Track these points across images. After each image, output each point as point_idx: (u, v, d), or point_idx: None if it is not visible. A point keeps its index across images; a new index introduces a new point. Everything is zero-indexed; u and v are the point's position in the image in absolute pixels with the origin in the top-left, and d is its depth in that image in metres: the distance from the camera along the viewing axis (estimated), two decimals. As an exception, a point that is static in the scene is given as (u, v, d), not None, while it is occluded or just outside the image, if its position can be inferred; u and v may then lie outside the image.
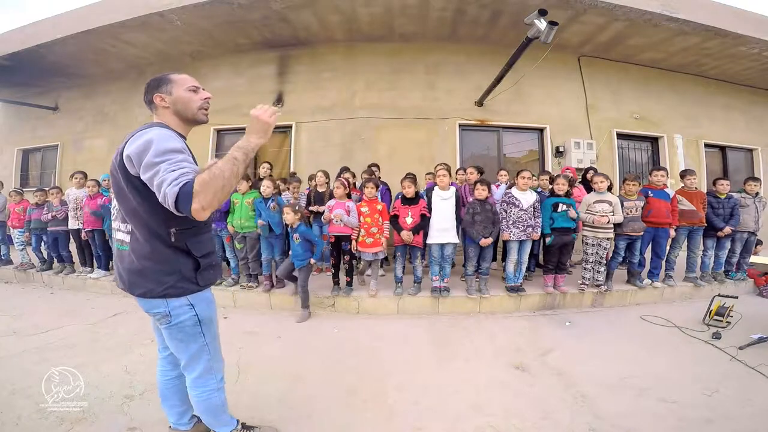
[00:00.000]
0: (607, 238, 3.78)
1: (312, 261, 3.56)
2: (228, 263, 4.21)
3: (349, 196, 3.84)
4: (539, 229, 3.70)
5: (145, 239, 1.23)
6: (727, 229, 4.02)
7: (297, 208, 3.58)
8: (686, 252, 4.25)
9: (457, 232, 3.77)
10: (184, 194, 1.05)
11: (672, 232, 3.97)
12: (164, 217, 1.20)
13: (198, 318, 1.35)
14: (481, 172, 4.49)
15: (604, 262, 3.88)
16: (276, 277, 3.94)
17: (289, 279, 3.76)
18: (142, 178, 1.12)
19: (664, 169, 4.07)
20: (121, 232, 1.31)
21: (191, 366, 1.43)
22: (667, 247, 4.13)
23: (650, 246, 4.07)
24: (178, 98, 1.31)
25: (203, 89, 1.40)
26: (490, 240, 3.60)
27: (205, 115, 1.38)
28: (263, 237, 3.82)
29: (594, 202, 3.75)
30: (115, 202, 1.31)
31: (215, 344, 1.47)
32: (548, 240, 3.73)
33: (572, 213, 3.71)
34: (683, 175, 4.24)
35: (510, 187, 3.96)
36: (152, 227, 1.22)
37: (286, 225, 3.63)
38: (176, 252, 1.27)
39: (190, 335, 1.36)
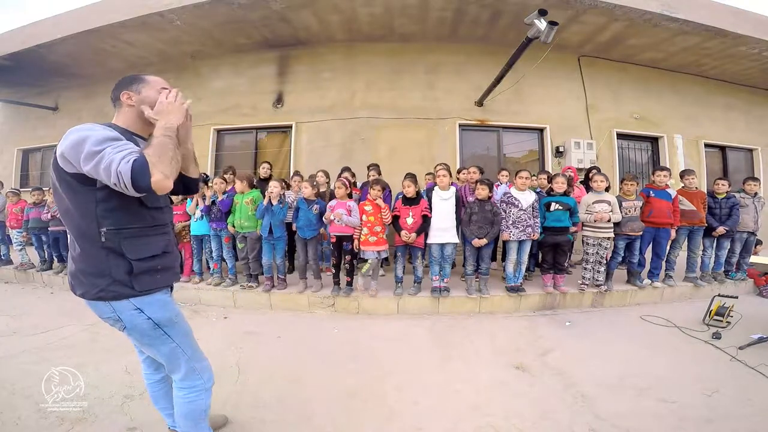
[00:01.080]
0: (608, 238, 3.78)
1: (322, 230, 3.77)
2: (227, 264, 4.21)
3: (350, 196, 3.84)
4: (539, 229, 3.70)
5: (77, 240, 1.20)
6: (720, 229, 4.02)
7: (314, 183, 3.88)
8: (686, 252, 4.25)
9: (458, 232, 3.77)
10: (140, 167, 1.04)
11: (673, 233, 3.97)
12: (96, 216, 1.17)
13: (153, 321, 1.29)
14: (481, 172, 4.50)
15: (605, 262, 3.88)
16: (278, 277, 3.94)
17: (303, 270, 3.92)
18: (83, 170, 1.08)
19: (667, 169, 4.06)
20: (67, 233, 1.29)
21: (172, 368, 1.40)
22: (668, 248, 4.13)
23: (650, 246, 4.06)
24: (146, 98, 1.27)
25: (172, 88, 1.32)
26: (483, 241, 3.59)
27: None
28: (264, 239, 3.81)
29: (593, 203, 3.76)
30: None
31: (189, 344, 1.41)
32: (539, 238, 3.73)
33: (603, 215, 3.67)
34: (683, 175, 4.24)
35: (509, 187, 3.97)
36: (83, 227, 1.18)
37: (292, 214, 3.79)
38: (108, 253, 1.20)
39: (154, 338, 1.31)
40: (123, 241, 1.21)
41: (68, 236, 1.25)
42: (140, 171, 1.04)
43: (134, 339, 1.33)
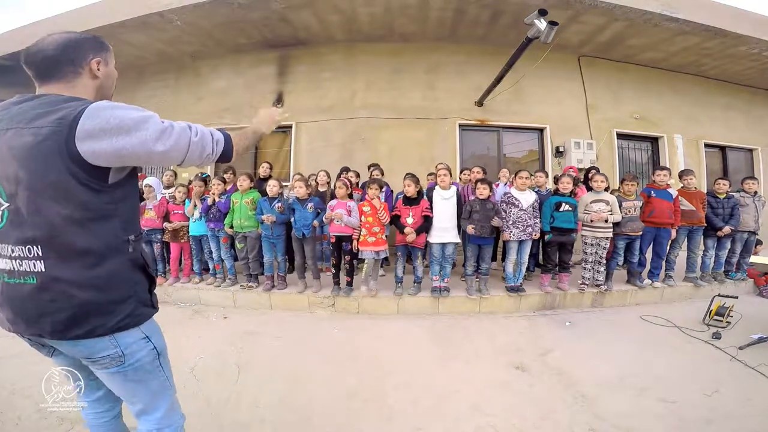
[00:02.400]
0: (606, 238, 3.78)
1: (315, 223, 3.76)
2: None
3: (350, 196, 3.84)
4: (539, 229, 3.70)
5: (91, 257, 0.90)
6: (727, 229, 4.02)
7: (309, 182, 3.86)
8: (686, 252, 4.25)
9: (459, 231, 3.78)
10: (228, 139, 1.09)
11: (673, 233, 3.97)
12: (123, 220, 0.96)
13: (157, 351, 1.07)
14: (484, 172, 4.51)
15: (604, 261, 3.88)
16: (279, 275, 3.94)
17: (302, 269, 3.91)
18: (156, 151, 0.90)
19: (668, 169, 4.07)
20: (12, 260, 0.87)
21: (153, 407, 1.11)
22: (667, 247, 4.13)
23: (651, 247, 4.06)
24: (110, 72, 1.06)
25: None
26: (471, 229, 3.53)
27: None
28: (264, 237, 3.81)
29: (591, 202, 3.76)
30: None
31: (171, 374, 1.18)
32: (546, 237, 3.74)
33: (601, 215, 3.67)
34: (681, 174, 4.24)
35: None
36: (106, 236, 0.92)
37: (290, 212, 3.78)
38: (133, 268, 0.99)
39: (149, 372, 1.05)
40: (142, 250, 1.04)
41: (48, 260, 0.86)
42: (230, 142, 1.09)
43: (124, 377, 1.01)
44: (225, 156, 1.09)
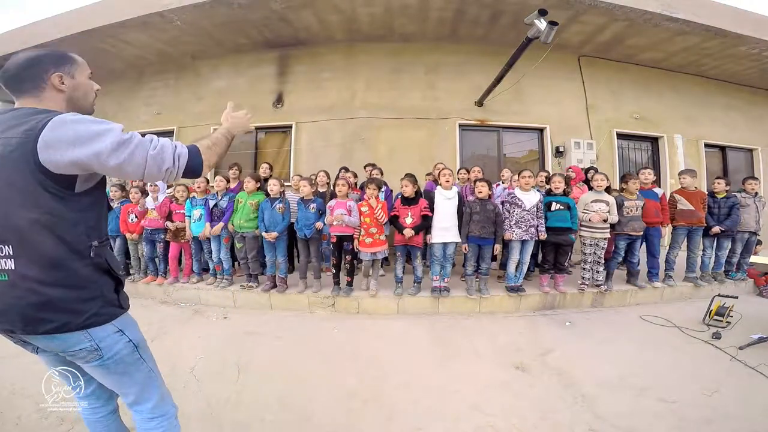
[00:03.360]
0: (604, 238, 3.78)
1: (319, 224, 3.77)
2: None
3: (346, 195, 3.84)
4: (544, 229, 3.69)
5: (55, 260, 0.96)
6: (716, 229, 4.02)
7: (312, 182, 3.95)
8: (686, 252, 4.25)
9: (460, 231, 3.77)
10: (196, 151, 1.07)
11: (664, 231, 3.98)
12: (87, 227, 1.01)
13: (133, 343, 1.13)
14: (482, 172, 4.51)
15: (603, 261, 3.88)
16: (279, 277, 3.93)
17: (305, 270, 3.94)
18: (110, 164, 0.93)
19: (651, 168, 4.13)
20: None
21: (144, 397, 1.18)
22: (667, 247, 4.12)
23: (645, 247, 4.07)
24: (79, 84, 1.09)
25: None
26: (465, 247, 3.62)
27: (94, 107, 1.18)
28: (265, 238, 3.80)
29: (591, 202, 3.76)
30: None
31: (156, 366, 1.24)
32: (545, 237, 3.73)
33: (601, 215, 3.67)
34: (680, 174, 4.25)
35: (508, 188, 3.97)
36: (72, 242, 0.97)
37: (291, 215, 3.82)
38: (96, 271, 1.04)
39: (130, 364, 1.12)
40: (107, 255, 1.08)
41: (19, 259, 0.93)
42: (197, 156, 1.07)
43: (107, 370, 1.09)
44: (192, 170, 1.07)
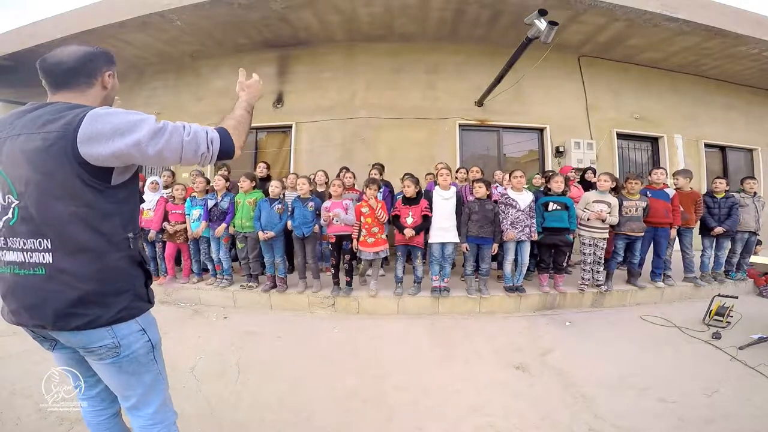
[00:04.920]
0: (603, 238, 3.77)
1: (316, 227, 3.80)
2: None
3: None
4: (536, 230, 3.68)
5: (93, 252, 0.96)
6: (719, 229, 4.02)
7: (311, 180, 3.91)
8: (680, 252, 4.25)
9: (459, 231, 3.77)
10: (226, 135, 1.07)
11: (673, 233, 3.96)
12: (123, 219, 1.02)
13: (152, 343, 1.11)
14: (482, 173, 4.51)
15: (602, 262, 3.88)
16: (279, 277, 3.94)
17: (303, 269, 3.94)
18: (150, 152, 0.94)
19: (664, 168, 4.09)
20: (24, 252, 0.94)
21: (146, 401, 1.14)
22: (666, 248, 4.12)
23: (652, 246, 4.06)
24: (116, 84, 1.13)
25: None
26: (465, 246, 3.63)
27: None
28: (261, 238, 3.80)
29: (593, 201, 3.76)
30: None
31: (165, 370, 1.21)
32: (538, 238, 3.73)
33: (601, 214, 3.67)
34: (675, 175, 4.26)
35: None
36: (110, 234, 0.99)
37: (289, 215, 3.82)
38: (131, 263, 1.05)
39: (143, 365, 1.09)
40: (140, 247, 1.10)
41: (56, 253, 0.93)
42: (228, 139, 1.06)
43: (120, 368, 1.05)
44: (225, 153, 1.07)
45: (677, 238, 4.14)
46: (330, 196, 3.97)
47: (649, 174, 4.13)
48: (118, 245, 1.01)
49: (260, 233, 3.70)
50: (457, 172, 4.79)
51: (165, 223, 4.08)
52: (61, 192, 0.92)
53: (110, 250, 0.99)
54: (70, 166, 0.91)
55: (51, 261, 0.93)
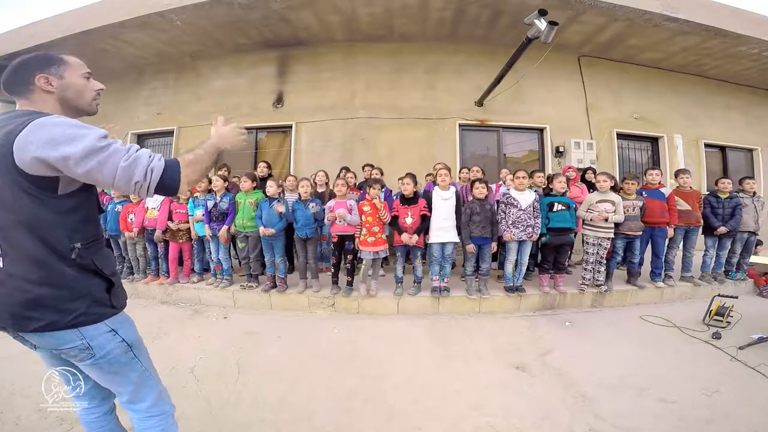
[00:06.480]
0: (608, 238, 3.77)
1: (322, 226, 3.77)
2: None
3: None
4: (539, 230, 3.69)
5: (38, 260, 0.96)
6: (722, 229, 4.02)
7: (312, 182, 3.95)
8: (682, 252, 4.25)
9: (458, 231, 3.77)
10: (174, 166, 1.01)
11: (670, 232, 3.97)
12: (66, 229, 1.00)
13: (127, 343, 1.12)
14: (482, 172, 4.51)
15: (605, 261, 3.88)
16: (279, 277, 3.93)
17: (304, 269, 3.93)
18: (75, 172, 0.92)
19: (658, 168, 4.10)
20: None
21: (141, 396, 1.19)
22: (665, 247, 4.12)
23: (650, 246, 4.07)
24: (70, 84, 1.08)
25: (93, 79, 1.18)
26: (471, 247, 3.60)
27: (97, 106, 1.18)
28: (263, 238, 3.81)
29: (597, 202, 3.75)
30: None
31: (152, 365, 1.24)
32: (543, 239, 3.74)
33: (603, 214, 3.66)
34: (677, 174, 4.25)
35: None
36: (51, 243, 0.97)
37: (290, 216, 3.80)
38: (80, 272, 1.03)
39: (123, 364, 1.12)
40: (94, 256, 1.06)
41: (6, 257, 0.96)
42: (174, 172, 1.01)
43: (100, 370, 1.10)
44: (165, 187, 1.00)
45: (683, 239, 4.13)
46: (330, 196, 3.97)
47: (645, 174, 4.14)
48: (63, 255, 0.99)
49: (261, 228, 3.70)
50: (460, 172, 4.80)
51: (169, 222, 4.08)
52: (2, 200, 0.93)
53: (55, 259, 0.98)
54: (9, 174, 0.91)
55: (1, 265, 0.96)
